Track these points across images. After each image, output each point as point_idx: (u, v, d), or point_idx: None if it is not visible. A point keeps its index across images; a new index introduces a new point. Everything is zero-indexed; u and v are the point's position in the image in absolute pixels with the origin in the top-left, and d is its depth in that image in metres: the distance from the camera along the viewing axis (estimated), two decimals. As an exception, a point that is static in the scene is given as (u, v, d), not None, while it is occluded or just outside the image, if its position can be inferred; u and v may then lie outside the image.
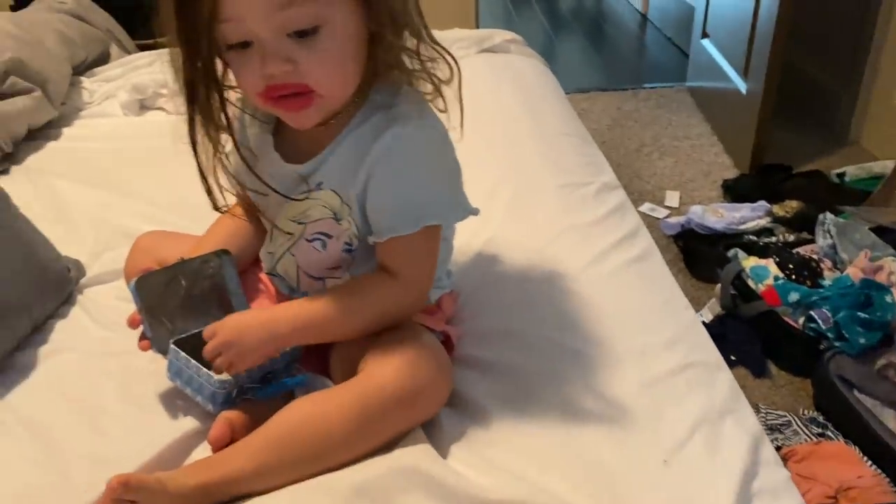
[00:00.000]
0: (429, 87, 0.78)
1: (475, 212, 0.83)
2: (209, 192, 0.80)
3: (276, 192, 0.80)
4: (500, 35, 1.77)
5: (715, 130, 2.59)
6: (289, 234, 0.84)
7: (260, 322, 0.79)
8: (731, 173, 2.33)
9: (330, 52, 0.70)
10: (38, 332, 0.98)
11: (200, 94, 0.74)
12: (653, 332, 0.90)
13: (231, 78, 0.78)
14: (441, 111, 0.79)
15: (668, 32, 3.52)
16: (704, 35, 2.71)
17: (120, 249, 1.11)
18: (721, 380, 0.84)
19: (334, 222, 0.81)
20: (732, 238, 1.91)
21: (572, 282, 0.95)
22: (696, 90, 2.83)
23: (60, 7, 1.83)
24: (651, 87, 3.00)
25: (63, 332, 0.99)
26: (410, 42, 0.75)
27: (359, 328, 0.80)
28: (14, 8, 2.21)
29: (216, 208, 0.83)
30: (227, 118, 0.77)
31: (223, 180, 0.81)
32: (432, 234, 0.80)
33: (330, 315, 0.79)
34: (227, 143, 0.80)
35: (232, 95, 0.80)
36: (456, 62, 0.77)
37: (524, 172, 1.23)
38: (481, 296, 0.97)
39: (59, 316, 1.02)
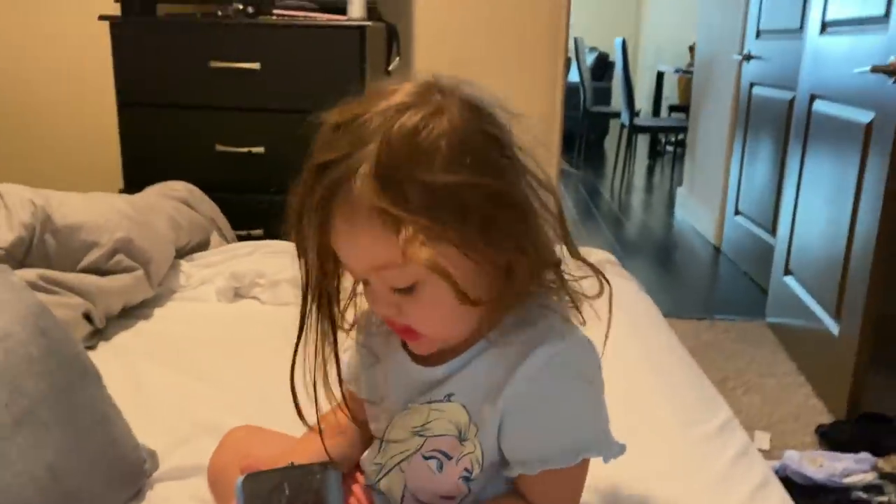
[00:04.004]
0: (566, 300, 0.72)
1: (624, 449, 0.74)
2: (296, 402, 0.75)
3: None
4: (595, 255, 1.76)
5: (802, 370, 2.47)
6: (404, 446, 0.76)
7: None
8: (825, 418, 2.18)
9: (430, 305, 0.67)
10: (101, 531, 0.89)
11: (323, 297, 0.73)
12: None
13: None
14: (581, 325, 0.72)
15: (744, 266, 3.52)
16: (787, 272, 2.68)
17: (199, 443, 1.04)
18: None
19: (456, 442, 0.73)
20: (837, 493, 1.74)
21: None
22: (779, 327, 2.75)
23: (173, 194, 1.92)
24: (729, 320, 2.94)
25: (128, 533, 0.89)
26: (548, 267, 0.70)
27: None
28: (123, 191, 2.34)
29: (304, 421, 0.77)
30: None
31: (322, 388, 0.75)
32: (585, 466, 0.73)
33: None
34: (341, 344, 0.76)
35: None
36: (607, 280, 0.72)
37: (639, 404, 1.14)
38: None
39: (125, 513, 0.93)
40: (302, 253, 0.69)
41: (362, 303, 0.77)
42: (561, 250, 0.70)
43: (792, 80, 2.80)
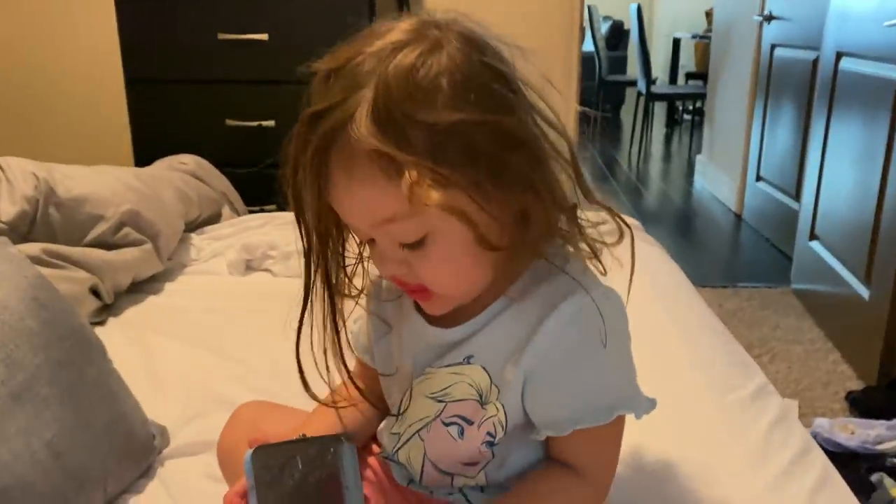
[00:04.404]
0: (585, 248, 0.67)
1: (655, 404, 0.69)
2: (303, 377, 0.71)
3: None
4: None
5: (830, 337, 2.41)
6: (422, 413, 0.72)
7: None
8: (855, 384, 2.12)
9: (442, 259, 0.62)
10: (109, 508, 0.86)
11: (328, 268, 0.68)
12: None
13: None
14: (602, 274, 0.68)
15: (766, 233, 3.44)
16: (813, 237, 2.60)
17: (211, 417, 1.00)
18: None
19: (478, 405, 0.68)
20: (870, 460, 1.68)
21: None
22: (805, 293, 2.68)
23: (181, 167, 1.88)
24: (752, 287, 2.87)
25: (138, 510, 0.86)
26: (563, 211, 0.65)
27: None
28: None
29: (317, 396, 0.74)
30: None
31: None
32: (620, 424, 0.68)
33: None
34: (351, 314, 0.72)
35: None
36: (626, 223, 0.66)
37: (670, 372, 1.09)
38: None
39: (135, 491, 0.90)
40: (300, 215, 0.64)
41: (371, 270, 0.73)
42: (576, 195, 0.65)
43: (816, 40, 2.70)
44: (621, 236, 0.66)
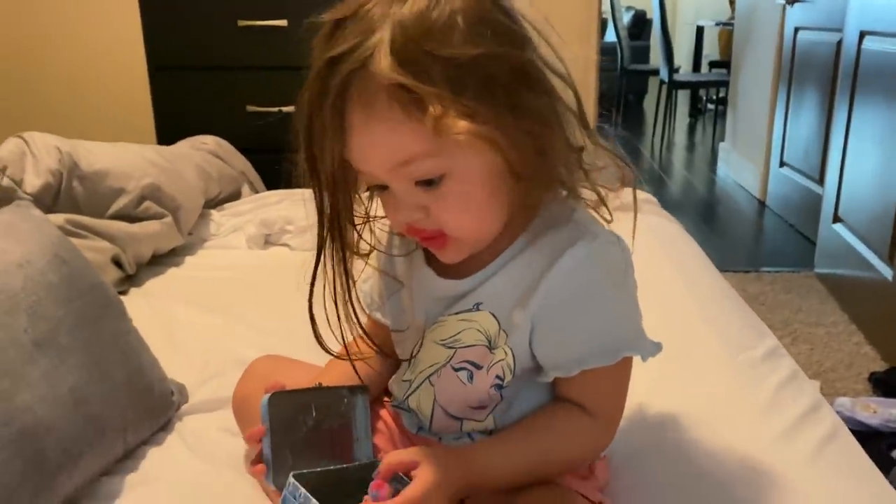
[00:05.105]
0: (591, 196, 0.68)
1: (660, 347, 0.70)
2: (315, 329, 0.71)
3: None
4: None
5: (853, 319, 2.38)
6: (433, 360, 0.73)
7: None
8: (878, 365, 2.10)
9: (458, 198, 0.63)
10: (129, 457, 0.88)
11: (342, 223, 0.68)
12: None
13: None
14: (607, 221, 0.69)
15: (790, 219, 3.41)
16: (836, 220, 2.57)
17: (227, 376, 1.03)
18: None
19: (486, 350, 0.70)
20: (892, 437, 1.67)
21: (753, 463, 0.78)
22: (828, 277, 2.65)
23: (202, 146, 1.91)
24: (775, 271, 2.85)
25: (156, 460, 0.89)
26: (572, 151, 0.66)
27: (554, 472, 0.71)
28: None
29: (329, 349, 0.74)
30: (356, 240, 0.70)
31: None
32: (626, 366, 0.70)
33: (530, 461, 0.69)
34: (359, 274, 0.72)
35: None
36: (629, 165, 0.68)
37: (681, 332, 1.10)
38: (637, 468, 0.81)
39: (154, 442, 0.93)
40: (312, 169, 0.64)
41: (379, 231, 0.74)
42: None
43: (840, 21, 2.66)
44: (624, 179, 0.67)
